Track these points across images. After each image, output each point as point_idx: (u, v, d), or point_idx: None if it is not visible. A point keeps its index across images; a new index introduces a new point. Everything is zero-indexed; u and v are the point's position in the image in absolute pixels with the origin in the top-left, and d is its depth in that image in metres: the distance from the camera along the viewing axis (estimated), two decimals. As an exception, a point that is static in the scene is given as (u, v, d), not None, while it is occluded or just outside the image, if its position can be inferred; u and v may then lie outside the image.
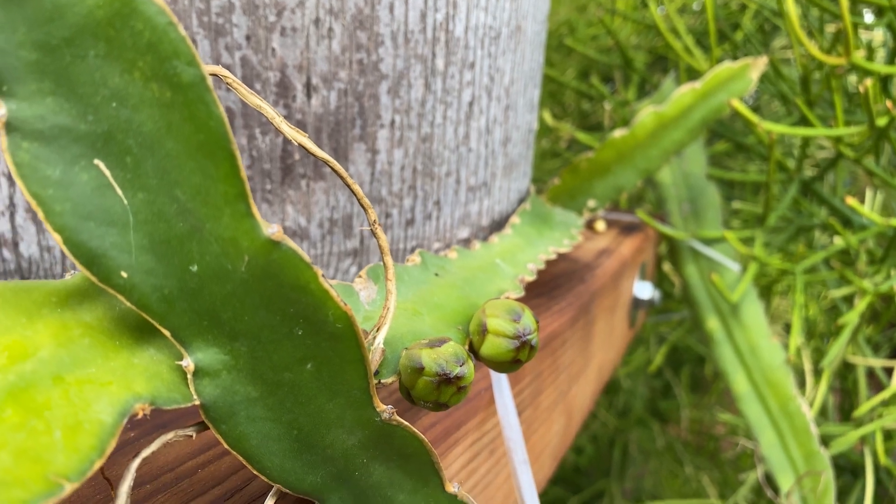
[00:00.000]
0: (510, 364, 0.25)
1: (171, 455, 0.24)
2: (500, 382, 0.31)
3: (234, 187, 0.16)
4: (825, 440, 0.65)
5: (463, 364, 0.22)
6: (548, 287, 0.44)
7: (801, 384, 0.70)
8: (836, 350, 0.63)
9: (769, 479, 0.67)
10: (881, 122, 0.57)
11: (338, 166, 0.19)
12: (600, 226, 0.61)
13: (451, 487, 0.23)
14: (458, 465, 0.30)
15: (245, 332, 0.17)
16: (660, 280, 0.87)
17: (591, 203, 0.59)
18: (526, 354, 0.25)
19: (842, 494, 0.75)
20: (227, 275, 0.17)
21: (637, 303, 0.62)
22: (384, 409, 0.20)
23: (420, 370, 0.22)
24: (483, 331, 0.26)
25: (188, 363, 0.17)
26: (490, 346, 0.25)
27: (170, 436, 0.18)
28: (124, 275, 0.16)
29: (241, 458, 0.18)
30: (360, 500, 0.21)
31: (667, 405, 1.10)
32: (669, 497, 1.02)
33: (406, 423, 0.20)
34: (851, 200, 0.57)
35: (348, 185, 0.20)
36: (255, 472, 0.19)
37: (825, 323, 0.79)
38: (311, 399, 0.19)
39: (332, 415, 0.19)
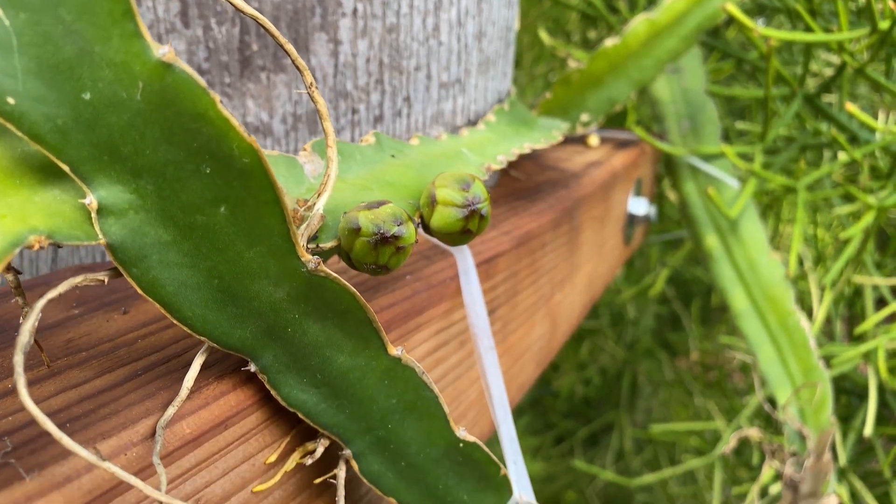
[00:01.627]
0: (460, 235, 0.25)
1: (112, 328, 0.23)
2: (468, 269, 0.31)
3: (119, 4, 0.15)
4: (828, 360, 0.64)
5: (401, 224, 0.22)
6: (529, 192, 0.43)
7: (810, 314, 0.69)
8: (841, 265, 0.61)
9: (770, 399, 0.66)
10: (883, 25, 0.55)
11: (246, 6, 0.18)
12: (594, 140, 0.60)
13: (395, 350, 0.22)
14: (423, 351, 0.30)
15: (149, 168, 0.17)
16: (660, 203, 0.85)
17: (585, 117, 0.57)
18: (476, 224, 0.25)
19: (848, 418, 0.74)
20: (123, 103, 0.16)
21: (632, 219, 0.61)
22: (310, 259, 0.19)
23: (357, 231, 0.21)
24: (432, 202, 0.25)
25: (90, 200, 0.17)
26: (439, 217, 0.24)
27: (79, 279, 0.17)
28: (11, 101, 0.15)
29: (158, 306, 0.18)
30: (296, 359, 0.21)
31: (675, 337, 1.09)
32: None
33: (335, 275, 0.20)
34: (851, 107, 0.55)
35: (266, 29, 0.19)
36: (176, 323, 0.18)
37: (835, 251, 0.77)
38: (229, 245, 0.18)
39: (254, 263, 0.19)
